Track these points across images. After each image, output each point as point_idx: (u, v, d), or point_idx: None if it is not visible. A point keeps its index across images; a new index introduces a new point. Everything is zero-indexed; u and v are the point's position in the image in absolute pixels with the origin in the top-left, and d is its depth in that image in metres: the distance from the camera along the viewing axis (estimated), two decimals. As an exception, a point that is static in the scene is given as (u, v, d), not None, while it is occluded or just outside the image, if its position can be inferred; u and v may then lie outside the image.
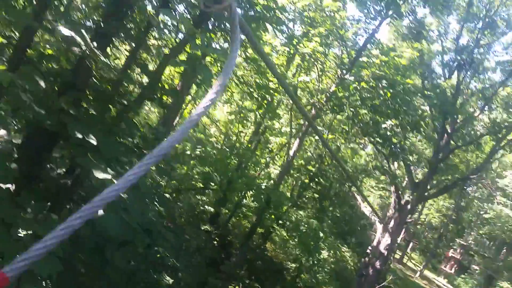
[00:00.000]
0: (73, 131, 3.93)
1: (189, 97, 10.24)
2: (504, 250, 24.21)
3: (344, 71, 12.73)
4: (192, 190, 10.11)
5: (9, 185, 4.26)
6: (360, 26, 13.62)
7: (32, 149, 4.86)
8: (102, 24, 5.22)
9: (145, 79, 7.34)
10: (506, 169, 25.32)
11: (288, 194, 14.86)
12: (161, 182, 8.23)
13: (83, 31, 4.02)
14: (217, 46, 9.04)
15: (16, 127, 4.81)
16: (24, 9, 4.70)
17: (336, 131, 15.02)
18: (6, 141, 5.09)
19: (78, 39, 3.82)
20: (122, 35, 6.06)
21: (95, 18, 6.56)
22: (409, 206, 16.46)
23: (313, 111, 13.01)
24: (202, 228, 10.16)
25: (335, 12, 11.91)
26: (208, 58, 8.17)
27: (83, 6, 7.19)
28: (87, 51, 4.17)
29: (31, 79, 3.73)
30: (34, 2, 4.60)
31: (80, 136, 3.99)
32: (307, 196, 15.63)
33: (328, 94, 12.87)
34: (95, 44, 4.20)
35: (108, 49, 6.88)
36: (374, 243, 17.22)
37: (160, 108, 7.16)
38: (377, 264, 15.94)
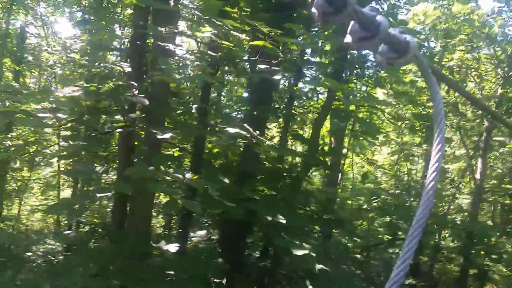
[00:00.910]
0: (263, 215, 4.20)
1: (344, 150, 10.15)
2: None
3: (506, 69, 11.06)
4: (380, 245, 9.52)
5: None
6: (504, 16, 11.95)
7: (229, 241, 5.33)
8: (254, 111, 5.73)
9: (299, 148, 7.58)
10: None
11: (490, 223, 12.75)
12: (348, 244, 7.99)
13: (245, 125, 4.45)
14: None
15: (212, 225, 5.43)
16: (191, 119, 5.51)
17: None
18: (207, 239, 5.74)
19: (243, 132, 4.22)
20: (272, 115, 6.54)
21: (243, 108, 7.25)
22: None
23: (485, 123, 11.43)
24: (406, 283, 9.27)
25: (470, 14, 10.80)
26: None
27: (231, 102, 8.12)
28: (252, 140, 4.55)
29: (217, 180, 4.22)
30: (196, 113, 5.39)
31: (270, 218, 4.22)
32: (516, 220, 13.09)
33: (496, 98, 11.25)
34: (257, 131, 4.57)
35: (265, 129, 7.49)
36: None
37: (325, 170, 7.24)
38: None
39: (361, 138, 6.73)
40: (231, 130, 4.09)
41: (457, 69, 10.80)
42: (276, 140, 7.84)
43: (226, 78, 6.39)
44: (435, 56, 10.14)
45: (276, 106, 6.11)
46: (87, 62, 5.52)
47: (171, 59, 4.02)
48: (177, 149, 5.48)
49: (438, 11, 10.64)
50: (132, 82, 4.65)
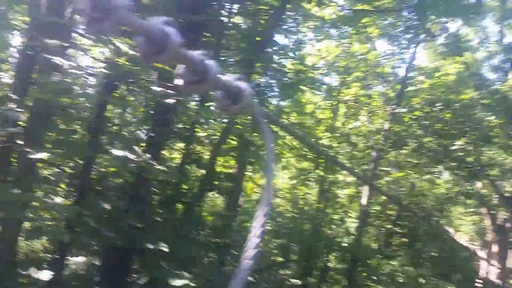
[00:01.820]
0: (144, 244, 4.05)
1: (248, 173, 10.38)
2: None
3: (394, 106, 12.41)
4: (273, 267, 9.82)
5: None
6: (395, 59, 13.46)
7: (111, 267, 5.03)
8: (152, 134, 5.59)
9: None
10: None
11: (374, 246, 13.99)
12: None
13: (135, 147, 4.29)
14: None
15: (93, 251, 5.07)
16: (82, 138, 5.17)
17: (404, 167, 14.25)
18: (87, 265, 5.35)
19: (131, 156, 4.07)
20: (173, 137, 6.42)
21: (146, 128, 7.03)
22: (508, 224, 14.70)
23: (373, 153, 12.60)
24: (293, 304, 9.68)
25: (366, 53, 11.95)
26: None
27: (133, 120, 7.81)
28: (143, 164, 4.40)
29: (95, 206, 3.98)
30: (87, 132, 5.07)
31: (151, 246, 4.08)
32: (394, 243, 14.56)
33: (384, 132, 12.51)
34: (147, 155, 4.43)
35: (165, 152, 7.31)
36: (483, 274, 15.33)
37: (221, 195, 7.29)
38: (493, 297, 14.00)
39: (256, 165, 6.94)
40: (117, 152, 3.91)
41: (351, 103, 11.79)
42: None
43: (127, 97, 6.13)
44: (334, 90, 10.96)
45: (176, 129, 6.01)
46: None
47: (57, 74, 3.73)
48: (59, 171, 5.06)
49: (339, 49, 11.56)
50: (12, 95, 4.21)
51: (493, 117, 14.47)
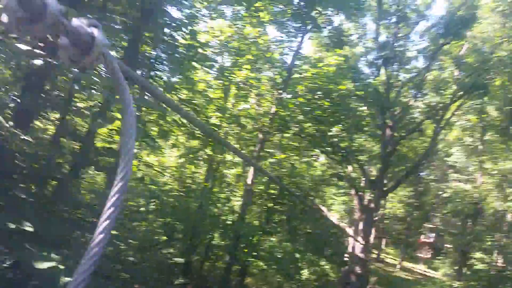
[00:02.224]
0: (3, 223, 3.56)
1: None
2: (470, 223, 25.29)
3: (280, 91, 12.98)
4: (156, 246, 9.60)
5: None
6: (284, 46, 14.04)
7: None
8: (20, 100, 4.91)
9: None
10: (452, 146, 26.74)
11: (256, 223, 14.63)
12: (121, 246, 7.71)
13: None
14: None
15: None
16: None
17: (286, 150, 15.14)
18: None
19: (-11, 122, 3.51)
20: (47, 105, 5.73)
21: (14, 94, 6.16)
22: (372, 205, 16.78)
23: (260, 135, 13.08)
24: (176, 283, 9.63)
25: (257, 37, 12.21)
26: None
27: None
28: (7, 133, 3.85)
29: None
30: None
31: (13, 226, 3.62)
32: (275, 220, 15.46)
33: (270, 116, 13.02)
34: (11, 123, 3.88)
35: (38, 122, 6.49)
36: (350, 249, 17.30)
37: (100, 171, 6.79)
38: (358, 269, 15.96)
39: (143, 141, 6.63)
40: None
41: (242, 85, 12.01)
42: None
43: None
44: (225, 70, 11.00)
45: (49, 96, 5.35)
46: None
47: None
48: None
49: (232, 29, 11.60)
50: None
51: (365, 108, 16.24)
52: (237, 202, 13.54)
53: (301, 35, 13.71)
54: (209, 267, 12.60)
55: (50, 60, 4.16)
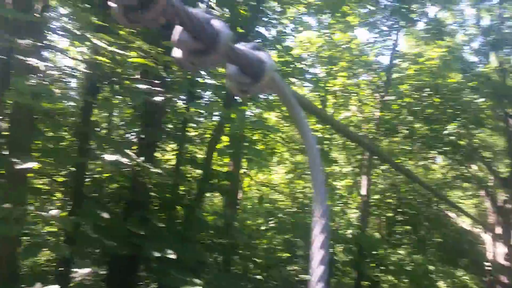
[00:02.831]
0: (149, 252, 3.81)
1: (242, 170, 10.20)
2: None
3: (382, 94, 12.38)
4: (280, 263, 9.61)
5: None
6: (378, 46, 13.46)
7: (118, 276, 4.77)
8: (143, 135, 5.35)
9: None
10: None
11: (378, 235, 13.88)
12: (249, 265, 7.86)
13: (127, 151, 4.06)
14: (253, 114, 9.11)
15: (98, 261, 4.82)
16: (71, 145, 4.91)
17: (398, 155, 14.21)
18: (93, 275, 5.07)
19: (123, 159, 3.84)
20: (164, 137, 6.18)
21: (135, 130, 6.77)
22: (508, 205, 14.70)
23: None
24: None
25: (349, 43, 11.90)
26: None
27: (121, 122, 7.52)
28: (136, 167, 4.17)
29: (93, 215, 3.73)
30: (75, 138, 4.82)
31: (158, 254, 3.84)
32: (398, 231, 14.48)
33: (374, 121, 12.45)
34: (141, 158, 4.20)
35: (157, 154, 7.06)
36: (490, 257, 15.29)
37: (220, 194, 7.07)
38: (503, 278, 13.97)
39: (252, 161, 6.76)
40: (109, 157, 3.68)
41: (340, 93, 11.71)
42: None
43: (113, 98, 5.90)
44: (320, 81, 10.86)
45: (167, 128, 5.78)
46: None
47: (34, 76, 3.49)
48: (50, 180, 4.80)
49: (321, 39, 11.48)
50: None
51: (481, 100, 14.55)
52: (353, 215, 13.00)
53: (395, 32, 13.02)
54: (336, 284, 12.16)
55: (167, 95, 4.45)
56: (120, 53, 4.00)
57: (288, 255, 9.66)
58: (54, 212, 3.15)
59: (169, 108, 5.39)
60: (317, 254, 0.58)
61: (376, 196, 13.81)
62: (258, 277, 6.79)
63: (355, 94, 12.42)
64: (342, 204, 13.18)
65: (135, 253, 4.15)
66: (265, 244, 9.27)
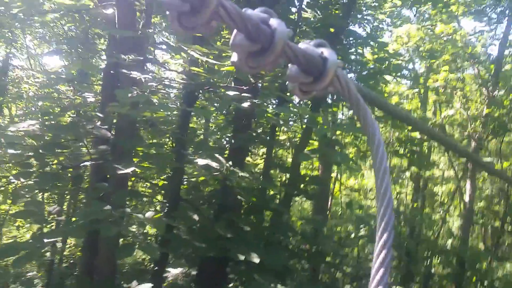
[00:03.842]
0: (235, 255, 3.87)
1: (333, 174, 9.90)
2: None
3: (491, 88, 11.06)
4: (369, 274, 9.16)
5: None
6: (486, 36, 12.06)
7: (207, 277, 4.96)
8: (233, 140, 5.48)
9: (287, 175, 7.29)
10: None
11: (481, 247, 12.54)
12: (338, 274, 7.64)
13: (217, 155, 4.16)
14: (344, 116, 8.80)
15: (190, 262, 5.07)
16: (166, 150, 5.23)
17: (510, 156, 12.63)
18: (184, 275, 5.35)
19: (214, 164, 3.94)
20: (254, 142, 6.27)
21: (227, 135, 7.01)
22: None
23: (472, 143, 11.33)
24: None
25: (452, 34, 10.84)
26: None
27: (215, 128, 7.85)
28: (226, 172, 4.26)
29: (186, 217, 3.90)
30: (172, 144, 5.10)
31: (242, 257, 3.89)
32: (505, 243, 12.91)
33: (482, 119, 11.19)
34: (230, 163, 4.28)
35: (248, 158, 7.21)
36: None
37: (308, 199, 6.96)
38: None
39: (342, 166, 6.50)
40: (200, 161, 3.81)
41: (443, 89, 10.74)
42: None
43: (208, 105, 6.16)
44: (420, 77, 10.08)
45: (255, 133, 5.83)
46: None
47: (135, 88, 3.74)
48: (149, 184, 5.16)
49: (421, 32, 10.64)
50: (98, 114, 4.37)
51: None
52: (454, 224, 11.89)
53: (506, 19, 11.52)
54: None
55: (255, 101, 4.46)
56: (214, 63, 4.12)
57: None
58: (148, 214, 3.35)
59: (259, 113, 5.43)
60: (376, 274, 0.51)
61: (481, 203, 12.45)
62: (347, 287, 6.55)
63: (460, 90, 11.29)
64: (442, 212, 12.11)
65: (223, 256, 4.26)
66: (356, 253, 8.92)
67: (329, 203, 9.56)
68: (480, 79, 11.60)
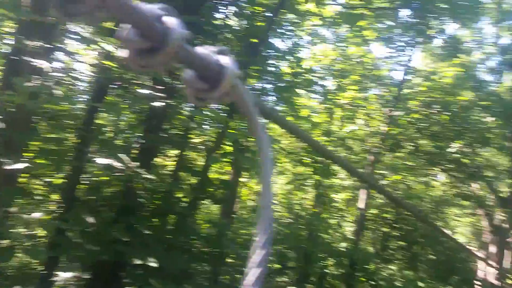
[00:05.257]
0: (130, 258, 3.81)
1: (243, 179, 10.15)
2: None
3: (391, 109, 12.28)
4: (270, 274, 9.58)
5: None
6: (392, 61, 13.33)
7: (100, 282, 4.78)
8: (144, 140, 5.35)
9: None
10: None
11: (371, 250, 13.85)
12: (237, 276, 7.83)
13: (120, 155, 4.05)
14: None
15: (82, 266, 4.82)
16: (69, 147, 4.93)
17: (401, 170, 14.11)
18: (76, 280, 5.08)
19: (117, 164, 3.83)
20: (165, 143, 6.17)
21: (137, 134, 6.77)
22: (504, 225, 14.61)
23: (370, 157, 12.44)
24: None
25: (362, 56, 11.80)
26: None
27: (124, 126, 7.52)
28: (130, 172, 4.16)
29: (80, 219, 3.73)
30: (75, 140, 4.82)
31: (139, 261, 3.85)
32: (392, 247, 14.42)
33: (380, 135, 12.36)
34: (134, 163, 4.19)
35: (159, 159, 7.05)
36: (481, 276, 15.25)
37: (216, 203, 7.06)
38: (492, 298, 13.88)
39: (251, 171, 6.73)
40: (101, 160, 3.68)
41: (348, 106, 11.62)
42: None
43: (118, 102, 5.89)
44: (330, 93, 10.80)
45: (166, 135, 5.75)
46: None
47: (37, 78, 3.48)
48: (43, 182, 4.80)
49: (335, 52, 11.39)
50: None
51: (489, 119, 14.36)
52: (349, 228, 12.94)
53: (411, 48, 12.87)
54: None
55: (168, 101, 4.43)
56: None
57: (279, 266, 9.63)
58: (36, 214, 3.15)
59: (171, 114, 5.38)
60: (251, 274, 0.51)
61: (374, 211, 13.74)
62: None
63: (363, 108, 12.32)
64: (339, 217, 13.11)
65: (119, 260, 4.15)
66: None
67: (236, 206, 9.79)
68: (382, 100, 12.79)
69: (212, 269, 6.03)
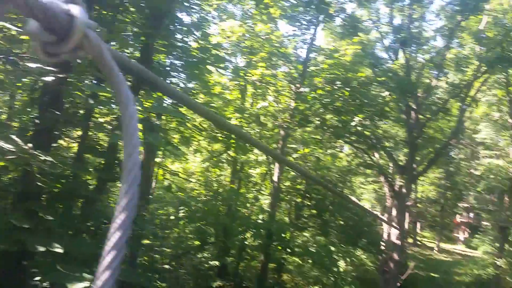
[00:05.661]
0: (33, 246, 3.54)
1: (158, 159, 9.90)
2: (506, 198, 24.33)
3: (298, 85, 12.80)
4: (190, 251, 9.61)
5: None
6: (297, 39, 13.84)
7: (2, 273, 4.39)
8: (38, 121, 4.91)
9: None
10: (479, 122, 25.92)
11: (287, 219, 14.55)
12: (156, 256, 7.73)
13: (13, 136, 3.70)
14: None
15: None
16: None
17: (310, 144, 14.94)
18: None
19: (8, 146, 3.49)
20: (66, 123, 5.73)
21: (32, 114, 6.20)
22: (403, 190, 16.36)
23: (281, 132, 12.94)
24: (214, 286, 9.61)
25: (269, 34, 12.06)
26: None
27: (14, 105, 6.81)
28: (24, 155, 3.82)
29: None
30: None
31: (43, 249, 3.60)
32: (305, 215, 15.31)
33: (290, 111, 12.87)
34: (30, 144, 3.85)
35: (62, 141, 6.53)
36: (385, 237, 16.99)
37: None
38: (395, 256, 15.60)
39: (165, 150, 6.60)
40: (-11, 144, 3.32)
41: (258, 83, 11.87)
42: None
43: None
44: (241, 70, 10.90)
45: (66, 114, 5.34)
46: None
47: None
48: None
49: (243, 29, 11.47)
50: None
51: (387, 93, 15.77)
52: (265, 201, 13.43)
53: (314, 27, 13.48)
54: (245, 268, 12.54)
55: (61, 76, 4.12)
56: (14, 29, 3.61)
57: (199, 243, 9.71)
58: None
59: (69, 91, 5.00)
60: (106, 256, 0.46)
61: (287, 183, 14.38)
62: (166, 266, 6.73)
63: (273, 85, 12.69)
64: (256, 191, 13.52)
65: (21, 249, 3.84)
66: (177, 233, 9.19)
67: (152, 187, 9.56)
68: (289, 77, 13.30)
69: (128, 251, 5.86)
